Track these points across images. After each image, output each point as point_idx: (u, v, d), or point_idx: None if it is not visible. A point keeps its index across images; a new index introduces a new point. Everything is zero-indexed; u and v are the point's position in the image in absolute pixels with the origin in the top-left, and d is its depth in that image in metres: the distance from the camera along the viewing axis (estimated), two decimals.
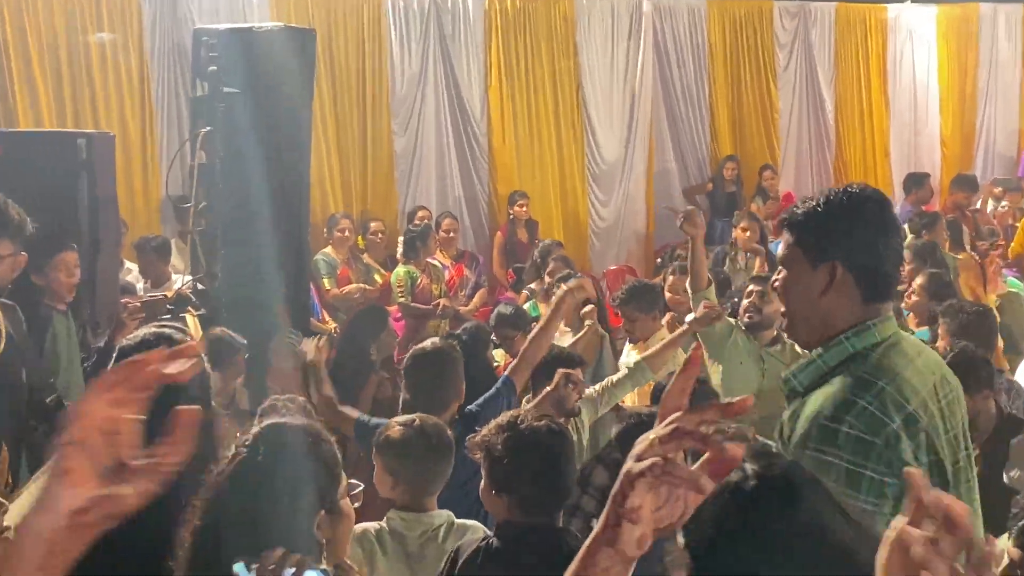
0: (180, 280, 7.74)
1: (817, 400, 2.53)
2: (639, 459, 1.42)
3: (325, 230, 8.86)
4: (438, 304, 8.18)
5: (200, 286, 6.48)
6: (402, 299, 8.09)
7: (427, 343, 4.81)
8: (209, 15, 8.51)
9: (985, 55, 14.39)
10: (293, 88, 6.12)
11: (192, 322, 6.33)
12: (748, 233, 8.72)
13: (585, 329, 6.33)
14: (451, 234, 9.48)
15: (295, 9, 9.14)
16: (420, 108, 10.54)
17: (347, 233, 8.93)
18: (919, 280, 6.52)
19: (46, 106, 8.75)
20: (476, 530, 3.58)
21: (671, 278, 6.97)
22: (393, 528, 3.58)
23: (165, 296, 6.85)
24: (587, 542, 1.56)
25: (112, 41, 9.05)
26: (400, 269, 8.56)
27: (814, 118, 13.23)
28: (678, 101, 12.16)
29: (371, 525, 3.61)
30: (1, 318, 4.28)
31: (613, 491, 1.46)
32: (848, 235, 2.58)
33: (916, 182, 10.81)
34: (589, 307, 6.35)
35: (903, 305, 6.43)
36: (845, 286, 2.56)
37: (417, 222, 9.18)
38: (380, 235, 9.42)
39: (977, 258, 7.94)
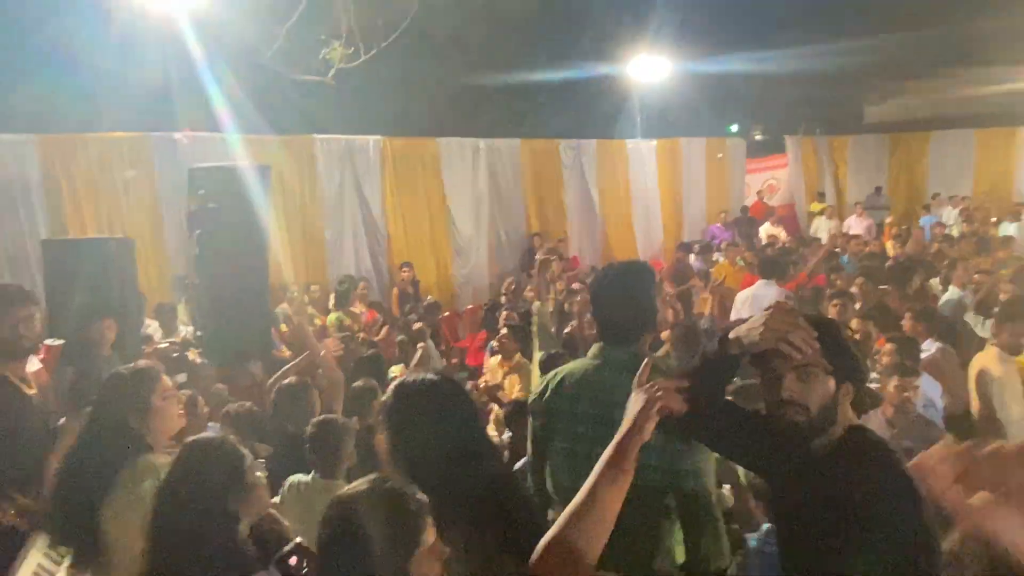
0: (184, 330, 7.46)
1: None
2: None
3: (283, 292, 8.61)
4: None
5: (199, 333, 6.30)
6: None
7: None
8: (199, 156, 8.22)
9: (686, 168, 14.97)
10: (255, 202, 5.96)
11: (193, 356, 6.13)
12: None
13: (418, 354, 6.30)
14: (365, 291, 9.33)
15: (259, 151, 8.84)
16: (341, 212, 10.37)
17: (295, 294, 8.68)
18: None
19: (89, 220, 8.36)
20: None
21: None
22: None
23: (174, 342, 6.60)
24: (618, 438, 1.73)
25: (134, 176, 8.72)
26: (332, 315, 8.45)
27: (586, 209, 13.38)
28: (504, 201, 12.20)
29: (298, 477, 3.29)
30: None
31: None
32: None
33: (683, 247, 11.25)
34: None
35: None
36: None
37: (343, 284, 9.03)
38: (318, 293, 9.30)
39: None
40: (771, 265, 7.14)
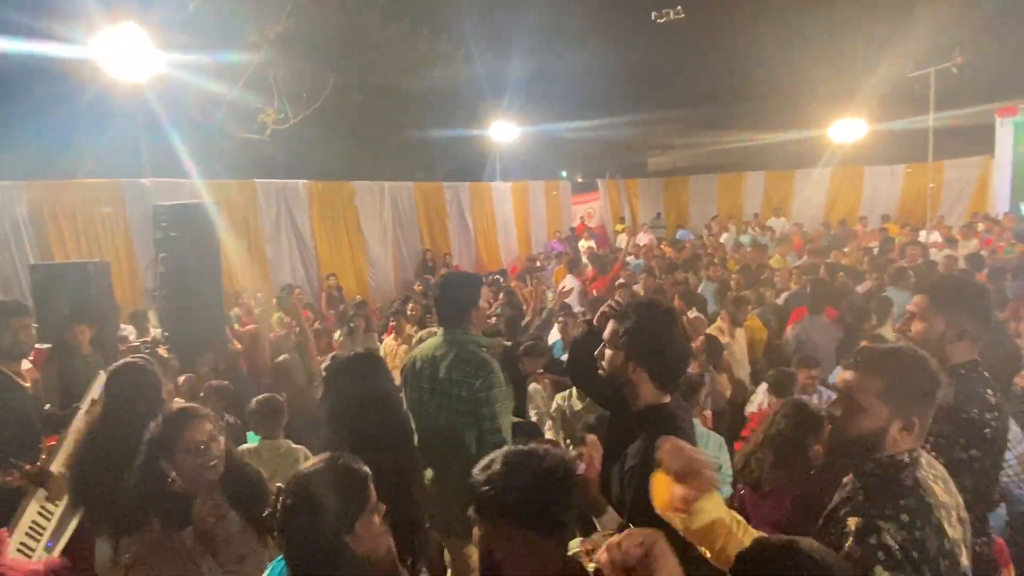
0: (154, 331, 6.92)
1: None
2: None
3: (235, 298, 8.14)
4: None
5: (166, 333, 5.85)
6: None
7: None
8: (163, 196, 7.64)
9: (532, 201, 15.15)
10: (207, 231, 5.65)
11: (163, 351, 5.68)
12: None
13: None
14: (300, 296, 8.88)
15: (211, 191, 8.30)
16: (279, 237, 9.88)
17: (245, 299, 8.24)
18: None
19: (71, 249, 7.58)
20: None
21: None
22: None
23: (145, 341, 6.10)
24: None
25: (109, 212, 7.97)
26: (276, 315, 8.00)
27: (464, 231, 13.27)
28: (404, 227, 11.97)
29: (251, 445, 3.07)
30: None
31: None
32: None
33: (528, 258, 11.16)
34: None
35: None
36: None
37: (283, 292, 8.62)
38: (263, 299, 8.79)
39: None
40: (572, 264, 8.04)
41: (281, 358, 4.42)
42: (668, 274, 7.84)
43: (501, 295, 6.85)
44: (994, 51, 12.93)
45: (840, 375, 1.50)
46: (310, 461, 1.53)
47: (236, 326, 7.17)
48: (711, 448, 3.34)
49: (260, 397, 3.22)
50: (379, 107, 14.61)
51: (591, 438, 1.73)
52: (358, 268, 11.08)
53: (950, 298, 1.92)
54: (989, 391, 1.83)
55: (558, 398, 4.08)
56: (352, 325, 6.77)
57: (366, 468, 1.49)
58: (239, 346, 6.09)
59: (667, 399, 1.75)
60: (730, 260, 9.51)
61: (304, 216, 10.24)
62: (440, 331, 2.63)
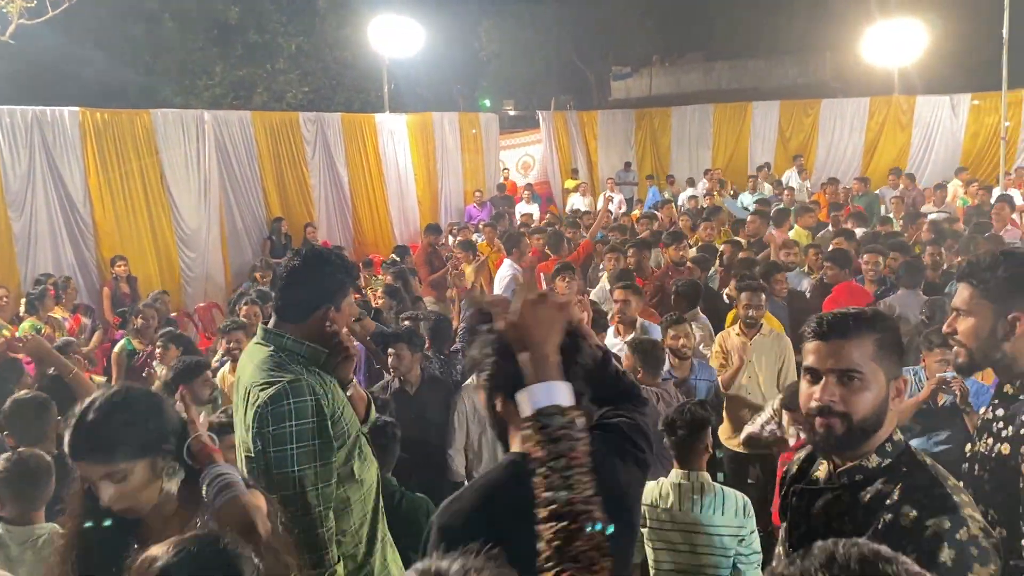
0: None
1: None
2: None
3: None
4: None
5: None
6: None
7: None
8: None
9: (439, 145, 15.18)
10: None
11: None
12: None
13: None
14: (69, 291, 8.46)
15: None
16: (31, 198, 9.33)
17: None
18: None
19: None
20: None
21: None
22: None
23: None
24: None
25: None
26: (26, 323, 7.52)
27: (336, 190, 13.20)
28: (239, 183, 11.66)
29: None
30: None
31: None
32: None
33: (433, 229, 10.93)
34: None
35: None
36: None
37: (35, 287, 8.08)
38: (5, 299, 8.16)
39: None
40: (510, 241, 8.12)
41: (20, 396, 4.04)
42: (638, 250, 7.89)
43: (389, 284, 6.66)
44: None
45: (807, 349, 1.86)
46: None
47: None
48: (726, 516, 3.28)
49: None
50: None
51: None
52: (163, 247, 10.62)
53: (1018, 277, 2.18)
54: None
55: None
56: (137, 324, 6.42)
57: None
58: None
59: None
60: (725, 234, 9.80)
61: (73, 164, 9.70)
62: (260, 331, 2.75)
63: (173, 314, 8.87)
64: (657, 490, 3.39)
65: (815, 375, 1.79)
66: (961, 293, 2.25)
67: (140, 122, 10.43)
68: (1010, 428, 2.09)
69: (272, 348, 2.61)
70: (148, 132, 10.45)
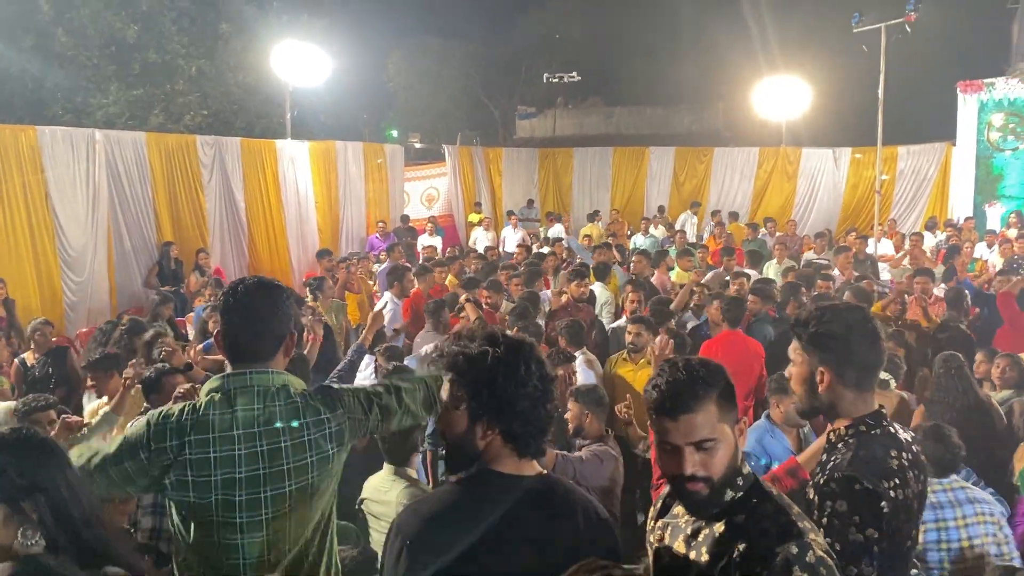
0: None
1: None
2: None
3: None
4: None
5: None
6: None
7: None
8: None
9: (342, 173, 15.09)
10: None
11: None
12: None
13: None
14: None
15: None
16: None
17: None
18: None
19: None
20: None
21: None
22: None
23: None
24: None
25: None
26: None
27: (232, 215, 12.92)
28: (129, 204, 11.25)
29: None
30: None
31: None
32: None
33: (324, 253, 10.91)
34: None
35: None
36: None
37: None
38: None
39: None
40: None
41: None
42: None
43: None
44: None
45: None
46: None
47: None
48: None
49: None
50: (84, 11, 13.61)
51: None
52: (45, 269, 10.14)
53: (824, 335, 2.35)
54: (893, 452, 2.24)
55: None
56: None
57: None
58: None
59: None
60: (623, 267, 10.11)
61: None
62: (230, 378, 2.54)
63: (54, 339, 8.46)
64: None
65: (674, 448, 1.89)
66: (793, 344, 2.45)
67: (25, 138, 9.97)
68: (821, 478, 2.24)
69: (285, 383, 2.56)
70: (33, 149, 9.98)
